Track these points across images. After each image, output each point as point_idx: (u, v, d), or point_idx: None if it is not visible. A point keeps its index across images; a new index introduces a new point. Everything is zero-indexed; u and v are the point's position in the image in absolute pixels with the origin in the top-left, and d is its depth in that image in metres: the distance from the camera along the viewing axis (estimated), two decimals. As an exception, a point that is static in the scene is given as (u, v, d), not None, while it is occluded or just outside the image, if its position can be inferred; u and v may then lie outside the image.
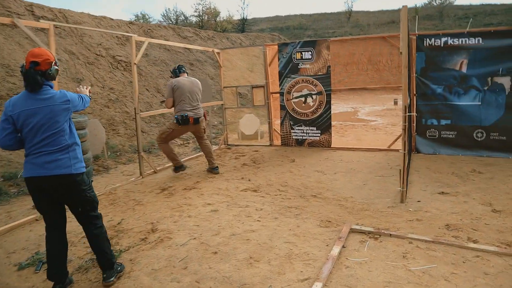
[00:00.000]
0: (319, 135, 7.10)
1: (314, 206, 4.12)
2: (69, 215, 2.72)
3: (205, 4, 39.94)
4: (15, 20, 3.71)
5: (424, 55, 6.16)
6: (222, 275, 2.73)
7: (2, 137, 2.44)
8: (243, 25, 35.54)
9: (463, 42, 5.84)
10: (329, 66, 6.83)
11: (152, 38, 11.90)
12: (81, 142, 4.36)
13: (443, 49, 6.00)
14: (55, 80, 2.65)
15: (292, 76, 7.13)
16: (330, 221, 3.67)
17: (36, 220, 3.95)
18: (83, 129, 4.88)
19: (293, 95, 7.19)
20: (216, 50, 7.90)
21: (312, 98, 7.02)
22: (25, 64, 2.50)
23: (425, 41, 6.10)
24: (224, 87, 8.19)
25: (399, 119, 11.36)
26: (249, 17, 38.86)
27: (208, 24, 31.31)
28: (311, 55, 6.91)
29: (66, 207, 2.70)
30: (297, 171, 5.61)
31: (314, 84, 6.97)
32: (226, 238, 3.34)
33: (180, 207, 4.21)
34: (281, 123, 7.44)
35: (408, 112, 4.13)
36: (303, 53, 6.97)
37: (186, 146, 8.59)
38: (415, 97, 6.29)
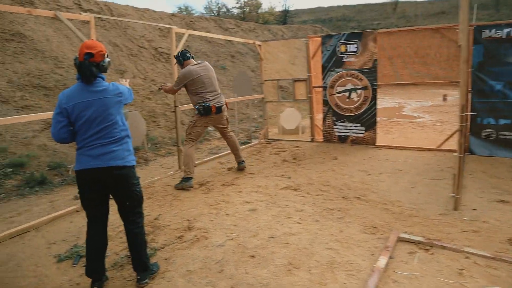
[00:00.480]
0: (363, 132, 6.77)
1: (357, 209, 3.88)
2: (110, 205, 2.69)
3: (247, -5, 39.78)
4: (57, 13, 3.72)
5: (482, 47, 5.65)
6: (259, 281, 2.58)
7: (57, 130, 2.42)
8: (285, 17, 35.08)
9: (529, 34, 5.29)
10: (375, 60, 6.46)
11: (194, 30, 11.90)
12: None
13: (504, 41, 5.46)
14: (106, 72, 2.61)
15: (336, 69, 6.82)
16: (375, 227, 3.42)
17: (77, 211, 3.99)
18: (124, 121, 4.88)
19: (336, 89, 6.89)
20: (257, 42, 7.73)
21: (357, 93, 6.68)
22: (78, 56, 2.47)
23: (483, 33, 5.59)
24: (265, 80, 8.01)
25: (448, 116, 10.71)
26: (291, 9, 38.29)
27: (250, 16, 31.15)
28: (357, 47, 6.56)
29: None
30: (340, 170, 5.35)
31: (359, 78, 6.63)
32: (265, 240, 3.19)
33: (217, 204, 4.11)
34: (324, 119, 7.16)
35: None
36: (348, 45, 6.63)
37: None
38: (469, 93, 5.80)
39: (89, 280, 2.57)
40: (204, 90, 4.84)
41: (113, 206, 2.67)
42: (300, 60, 16.03)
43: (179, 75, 4.86)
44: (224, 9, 34.05)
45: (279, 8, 36.54)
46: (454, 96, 14.88)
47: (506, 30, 5.46)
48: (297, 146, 7.12)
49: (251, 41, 7.79)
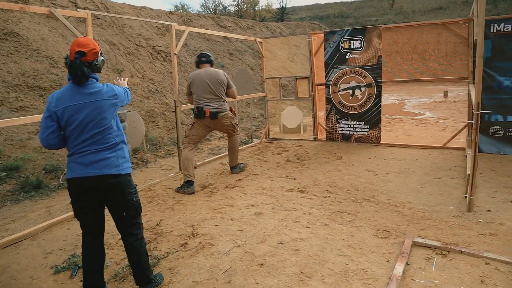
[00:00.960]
0: (367, 130, 6.61)
1: (367, 211, 3.72)
2: (107, 214, 2.50)
3: (244, -7, 39.52)
4: (52, 10, 3.55)
5: (490, 43, 5.50)
6: (270, 293, 2.43)
7: (45, 136, 2.24)
8: (282, 14, 34.90)
9: (539, 28, 5.15)
10: (380, 56, 6.30)
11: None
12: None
13: (514, 36, 5.33)
14: (100, 72, 2.42)
15: (339, 66, 6.66)
16: (387, 231, 3.27)
17: (74, 217, 3.82)
18: (123, 122, 4.74)
19: (340, 87, 6.73)
20: (258, 39, 7.55)
21: (361, 91, 6.53)
22: (69, 54, 2.28)
23: (492, 27, 5.45)
24: (266, 78, 7.84)
25: (451, 112, 10.59)
26: (288, 6, 38.09)
27: (247, 13, 30.94)
28: (361, 44, 6.41)
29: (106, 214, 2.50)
30: (346, 169, 5.20)
31: (363, 75, 6.47)
32: (273, 247, 3.03)
33: (221, 208, 3.95)
34: (327, 117, 7.00)
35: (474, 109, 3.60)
36: (351, 42, 6.47)
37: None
38: (477, 90, 5.66)
39: (88, 295, 2.40)
40: (202, 93, 4.79)
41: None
42: (299, 57, 15.82)
43: None
44: (220, 7, 33.85)
45: (276, 6, 36.37)
46: (455, 92, 14.77)
47: (515, 24, 5.32)
48: (300, 145, 6.96)
49: (252, 38, 7.62)
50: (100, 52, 2.37)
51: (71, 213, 3.86)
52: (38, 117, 3.67)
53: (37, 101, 6.35)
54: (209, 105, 4.79)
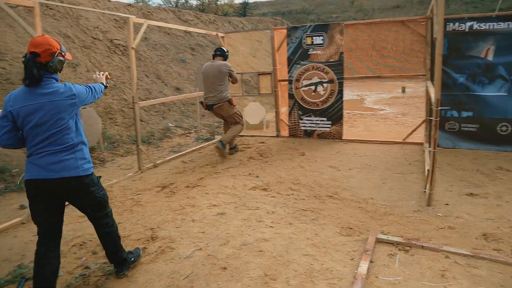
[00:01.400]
0: (330, 126, 6.65)
1: (331, 209, 3.72)
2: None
3: (206, -14, 38.92)
4: (-7, -3, 3.24)
5: (446, 41, 5.66)
6: (234, 298, 2.34)
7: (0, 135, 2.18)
8: (244, 9, 34.71)
9: (491, 27, 5.35)
10: (341, 53, 6.34)
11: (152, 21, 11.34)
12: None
13: (467, 35, 5.51)
14: (60, 72, 2.34)
15: (302, 62, 6.64)
16: (351, 228, 3.27)
17: (22, 223, 3.55)
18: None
19: (302, 83, 6.72)
20: (220, 34, 7.40)
21: (323, 87, 6.55)
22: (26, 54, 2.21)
23: (448, 26, 5.61)
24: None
25: (408, 108, 10.91)
26: (250, 1, 37.97)
27: (209, 7, 30.49)
28: (323, 40, 6.41)
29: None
30: (309, 166, 5.19)
31: (325, 71, 6.49)
32: (236, 249, 2.94)
33: (183, 209, 3.80)
34: (289, 113, 6.98)
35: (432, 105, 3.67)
36: (314, 38, 6.46)
37: (187, 136, 8.15)
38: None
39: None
40: (203, 87, 5.66)
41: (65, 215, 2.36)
42: (261, 52, 15.75)
43: None
44: (182, 0, 33.16)
45: (238, 0, 36.13)
46: (412, 88, 15.27)
47: (468, 24, 5.50)
48: (263, 142, 6.90)
49: (213, 33, 7.45)
50: (58, 52, 2.29)
51: (19, 218, 3.60)
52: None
53: (-19, 97, 5.87)
54: (205, 99, 5.58)
